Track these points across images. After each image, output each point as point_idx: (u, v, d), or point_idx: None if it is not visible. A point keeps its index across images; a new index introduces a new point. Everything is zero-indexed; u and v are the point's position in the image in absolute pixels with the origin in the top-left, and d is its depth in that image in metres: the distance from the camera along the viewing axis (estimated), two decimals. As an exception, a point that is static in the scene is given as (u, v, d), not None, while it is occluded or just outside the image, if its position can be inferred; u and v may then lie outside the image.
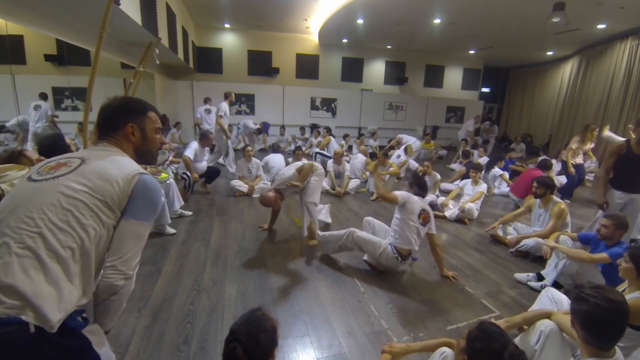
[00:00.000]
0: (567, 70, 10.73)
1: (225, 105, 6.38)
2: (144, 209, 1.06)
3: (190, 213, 4.13)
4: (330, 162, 5.80)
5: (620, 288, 1.78)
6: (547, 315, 1.61)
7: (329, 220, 4.03)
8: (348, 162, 6.06)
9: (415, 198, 2.78)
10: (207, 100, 7.99)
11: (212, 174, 5.19)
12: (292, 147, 8.92)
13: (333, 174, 5.64)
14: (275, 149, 6.26)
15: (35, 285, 0.83)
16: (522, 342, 1.63)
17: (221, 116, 6.31)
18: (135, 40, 5.36)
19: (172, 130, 9.03)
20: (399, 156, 6.36)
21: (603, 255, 2.33)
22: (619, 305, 1.21)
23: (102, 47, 1.94)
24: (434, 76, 12.89)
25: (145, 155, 1.22)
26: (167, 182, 3.85)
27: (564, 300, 1.86)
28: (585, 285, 1.31)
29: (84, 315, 0.98)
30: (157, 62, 3.47)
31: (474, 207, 4.40)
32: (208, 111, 7.85)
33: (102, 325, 1.08)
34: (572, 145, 5.55)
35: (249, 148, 5.34)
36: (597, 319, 1.19)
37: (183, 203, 4.13)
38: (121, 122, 1.15)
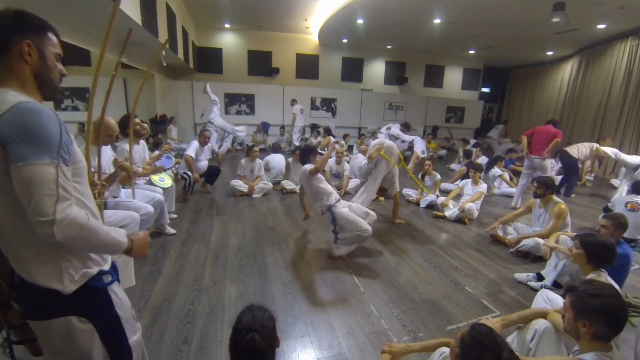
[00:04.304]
0: (567, 70, 10.73)
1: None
2: (21, 147, 0.84)
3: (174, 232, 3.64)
4: (329, 162, 5.80)
5: None
6: (543, 315, 1.63)
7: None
8: (348, 162, 6.07)
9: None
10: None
11: (212, 174, 5.19)
12: (292, 147, 8.93)
13: (329, 174, 5.65)
14: (275, 149, 6.27)
15: None
16: (518, 340, 1.67)
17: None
18: (136, 40, 5.35)
19: (169, 127, 9.00)
20: None
21: (603, 255, 2.33)
22: (619, 293, 1.35)
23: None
24: (434, 76, 12.89)
25: (47, 83, 1.02)
26: (170, 188, 3.80)
27: (559, 301, 1.87)
28: (579, 285, 1.33)
29: (103, 276, 1.08)
30: (164, 64, 3.46)
31: (474, 207, 4.41)
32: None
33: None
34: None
35: (255, 148, 5.33)
36: (618, 310, 1.24)
37: (173, 209, 3.96)
38: (14, 39, 0.94)
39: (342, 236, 3.06)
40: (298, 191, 3.94)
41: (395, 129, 7.66)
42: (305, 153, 3.39)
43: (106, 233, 0.97)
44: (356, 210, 3.25)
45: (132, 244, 1.07)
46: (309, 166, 3.18)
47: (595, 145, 5.98)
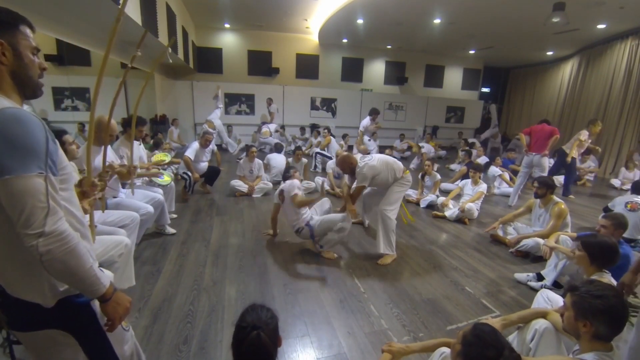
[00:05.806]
0: (567, 70, 10.72)
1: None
2: (7, 158, 0.81)
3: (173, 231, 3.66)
4: (330, 163, 5.81)
5: None
6: (543, 315, 1.63)
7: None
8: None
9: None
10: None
11: (212, 174, 5.19)
12: (292, 147, 8.92)
13: (332, 176, 5.65)
14: (278, 148, 6.27)
15: None
16: (518, 340, 1.67)
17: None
18: (135, 41, 5.35)
19: (170, 128, 8.98)
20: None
21: (603, 255, 2.33)
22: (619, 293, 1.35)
23: (102, 47, 1.93)
24: (434, 76, 12.88)
25: (26, 82, 0.96)
26: (169, 185, 3.80)
27: (559, 301, 1.88)
28: (581, 285, 1.33)
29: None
30: (170, 60, 3.47)
31: (474, 207, 4.41)
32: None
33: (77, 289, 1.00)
34: (581, 137, 5.57)
35: (253, 149, 5.33)
36: (619, 311, 1.24)
37: (173, 209, 3.98)
38: None
39: (323, 241, 3.14)
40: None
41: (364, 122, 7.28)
42: (286, 169, 3.58)
43: (90, 266, 0.92)
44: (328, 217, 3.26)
45: (112, 293, 1.01)
46: (291, 189, 3.19)
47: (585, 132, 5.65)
